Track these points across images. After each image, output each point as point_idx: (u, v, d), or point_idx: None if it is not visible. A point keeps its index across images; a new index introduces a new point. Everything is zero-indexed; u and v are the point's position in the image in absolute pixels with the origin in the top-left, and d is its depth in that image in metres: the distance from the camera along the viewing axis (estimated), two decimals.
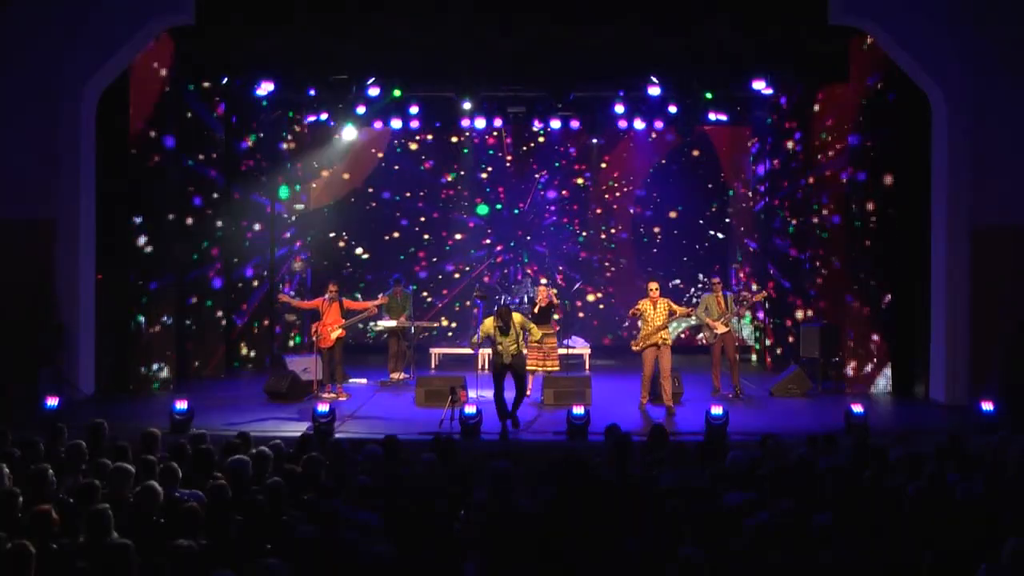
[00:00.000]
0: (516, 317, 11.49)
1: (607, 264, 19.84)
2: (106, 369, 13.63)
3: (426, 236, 20.07)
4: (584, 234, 19.85)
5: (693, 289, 19.12)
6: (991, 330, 12.70)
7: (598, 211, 19.87)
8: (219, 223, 15.86)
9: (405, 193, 19.94)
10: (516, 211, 20.05)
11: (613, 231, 19.85)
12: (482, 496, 6.12)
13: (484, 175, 20.05)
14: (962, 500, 6.21)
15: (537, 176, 19.85)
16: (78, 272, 13.14)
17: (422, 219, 20.08)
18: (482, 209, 20.15)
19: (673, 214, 19.54)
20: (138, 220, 14.02)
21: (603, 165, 19.56)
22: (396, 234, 20.01)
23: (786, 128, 16.37)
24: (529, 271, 18.45)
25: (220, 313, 15.98)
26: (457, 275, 19.96)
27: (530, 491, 7.18)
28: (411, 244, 20.02)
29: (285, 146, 17.77)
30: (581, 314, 19.50)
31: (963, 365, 12.86)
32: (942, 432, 9.93)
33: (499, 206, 20.18)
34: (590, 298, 19.77)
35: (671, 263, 19.39)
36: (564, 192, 19.90)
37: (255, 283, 16.86)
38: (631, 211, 19.64)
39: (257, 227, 16.83)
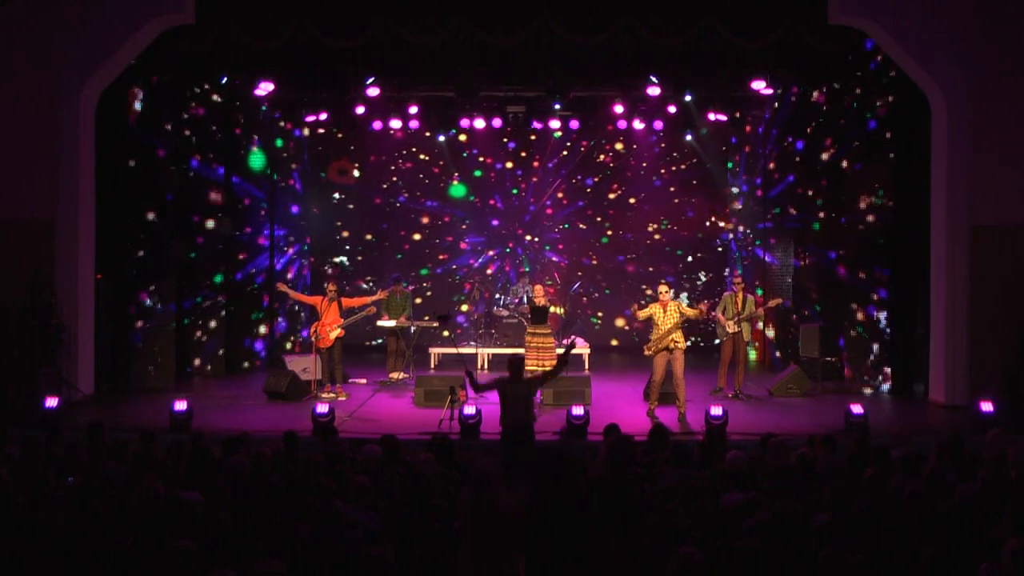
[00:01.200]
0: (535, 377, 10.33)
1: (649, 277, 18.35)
2: (106, 369, 13.64)
3: (369, 236, 18.11)
4: (610, 233, 18.74)
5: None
6: (990, 330, 12.69)
7: (631, 200, 18.57)
8: (219, 221, 15.85)
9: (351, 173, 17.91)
10: (516, 191, 18.29)
11: (658, 232, 18.55)
12: (468, 495, 6.11)
13: (463, 137, 17.57)
14: (962, 500, 6.20)
15: (557, 127, 17.54)
16: (78, 272, 13.14)
17: (349, 206, 17.81)
18: (457, 190, 18.03)
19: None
20: (137, 219, 14.02)
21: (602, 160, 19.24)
22: (346, 233, 18.23)
23: (784, 128, 16.36)
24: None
25: (220, 312, 15.96)
26: (415, 296, 17.20)
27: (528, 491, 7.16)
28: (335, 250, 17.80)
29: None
30: (619, 335, 18.73)
31: (963, 365, 12.85)
32: (942, 432, 9.93)
33: (478, 172, 17.60)
34: (620, 323, 18.87)
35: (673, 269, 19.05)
36: (603, 159, 18.04)
37: (257, 281, 16.85)
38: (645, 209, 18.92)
39: (256, 225, 16.83)
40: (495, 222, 18.78)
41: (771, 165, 16.99)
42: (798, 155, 16.03)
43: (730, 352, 13.73)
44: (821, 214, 15.43)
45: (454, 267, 18.13)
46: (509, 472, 8.50)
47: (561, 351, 14.03)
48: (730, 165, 19.01)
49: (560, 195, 19.10)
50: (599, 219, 19.25)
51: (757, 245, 17.60)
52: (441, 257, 18.22)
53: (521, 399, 9.51)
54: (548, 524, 5.76)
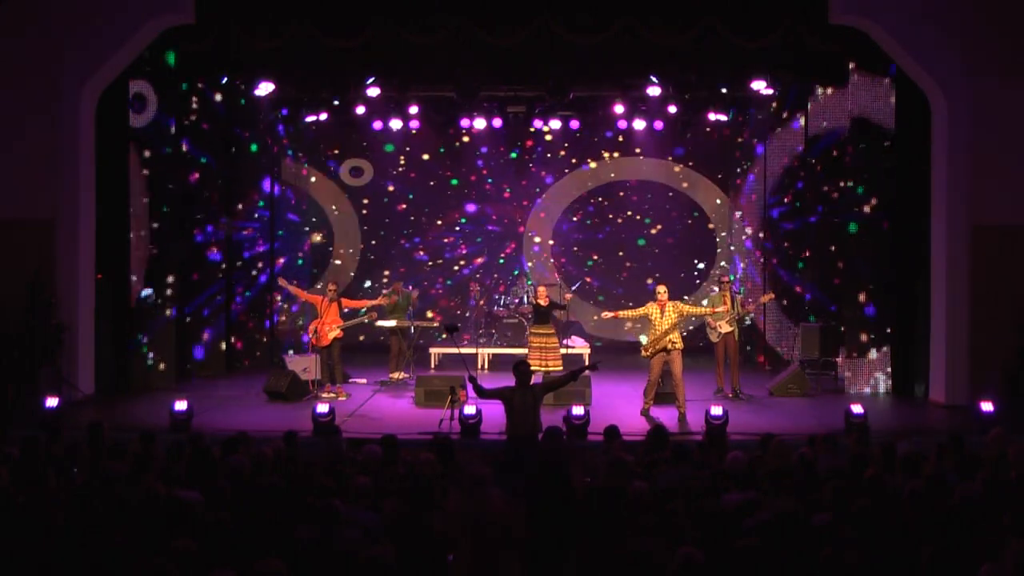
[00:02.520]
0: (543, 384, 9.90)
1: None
2: (106, 369, 13.63)
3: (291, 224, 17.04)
4: (654, 230, 18.11)
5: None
6: (991, 330, 12.69)
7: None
8: (220, 219, 15.84)
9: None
10: (514, 154, 17.77)
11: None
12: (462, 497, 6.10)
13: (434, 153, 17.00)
14: (962, 500, 6.20)
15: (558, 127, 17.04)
16: (78, 272, 13.14)
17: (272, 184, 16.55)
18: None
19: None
20: (137, 219, 14.03)
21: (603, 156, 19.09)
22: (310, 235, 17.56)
23: (784, 127, 16.35)
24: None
25: (220, 312, 15.94)
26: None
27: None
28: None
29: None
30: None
31: (963, 365, 12.84)
32: (942, 432, 9.93)
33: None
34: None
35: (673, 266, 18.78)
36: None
37: (257, 280, 16.83)
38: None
39: (257, 224, 16.82)
40: (470, 206, 17.94)
41: (768, 164, 16.96)
42: (798, 154, 16.01)
43: (723, 352, 13.72)
44: (820, 213, 15.42)
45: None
46: (508, 480, 7.89)
47: (565, 352, 14.13)
48: (729, 176, 18.98)
49: (592, 162, 18.02)
50: (629, 212, 18.57)
51: (777, 260, 17.19)
52: (391, 273, 17.13)
53: (528, 407, 9.21)
54: (545, 526, 5.76)
